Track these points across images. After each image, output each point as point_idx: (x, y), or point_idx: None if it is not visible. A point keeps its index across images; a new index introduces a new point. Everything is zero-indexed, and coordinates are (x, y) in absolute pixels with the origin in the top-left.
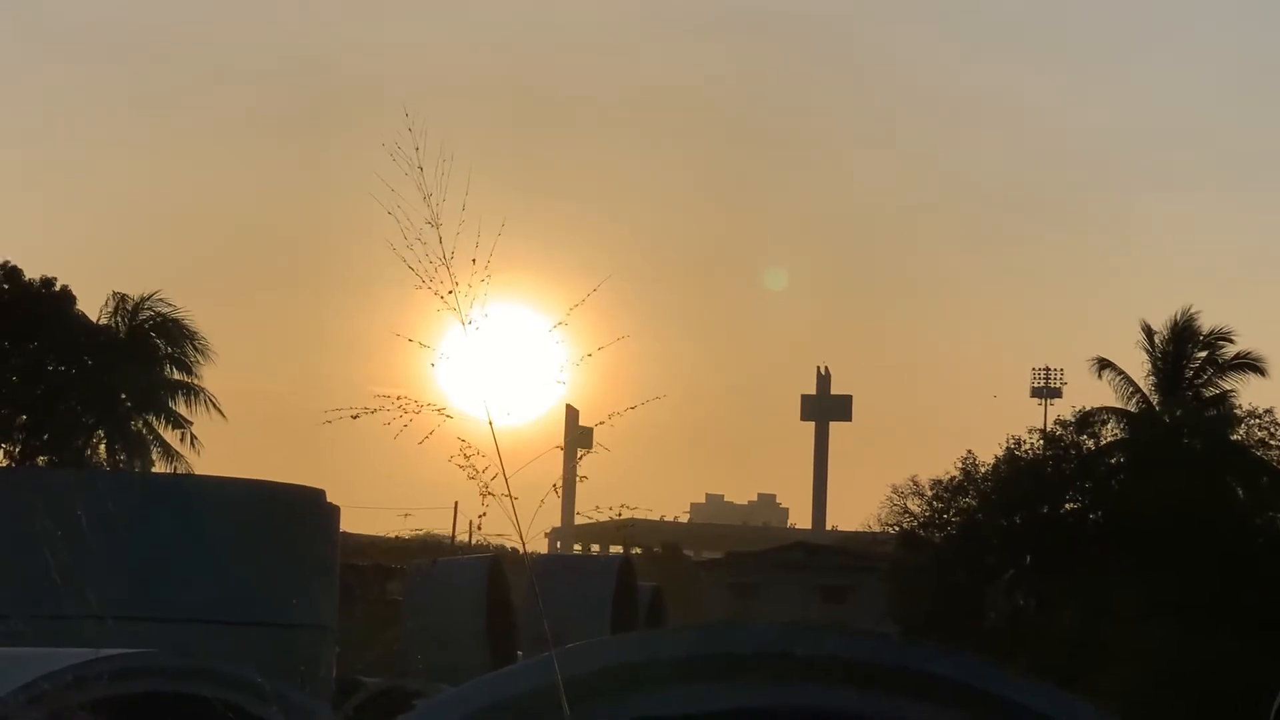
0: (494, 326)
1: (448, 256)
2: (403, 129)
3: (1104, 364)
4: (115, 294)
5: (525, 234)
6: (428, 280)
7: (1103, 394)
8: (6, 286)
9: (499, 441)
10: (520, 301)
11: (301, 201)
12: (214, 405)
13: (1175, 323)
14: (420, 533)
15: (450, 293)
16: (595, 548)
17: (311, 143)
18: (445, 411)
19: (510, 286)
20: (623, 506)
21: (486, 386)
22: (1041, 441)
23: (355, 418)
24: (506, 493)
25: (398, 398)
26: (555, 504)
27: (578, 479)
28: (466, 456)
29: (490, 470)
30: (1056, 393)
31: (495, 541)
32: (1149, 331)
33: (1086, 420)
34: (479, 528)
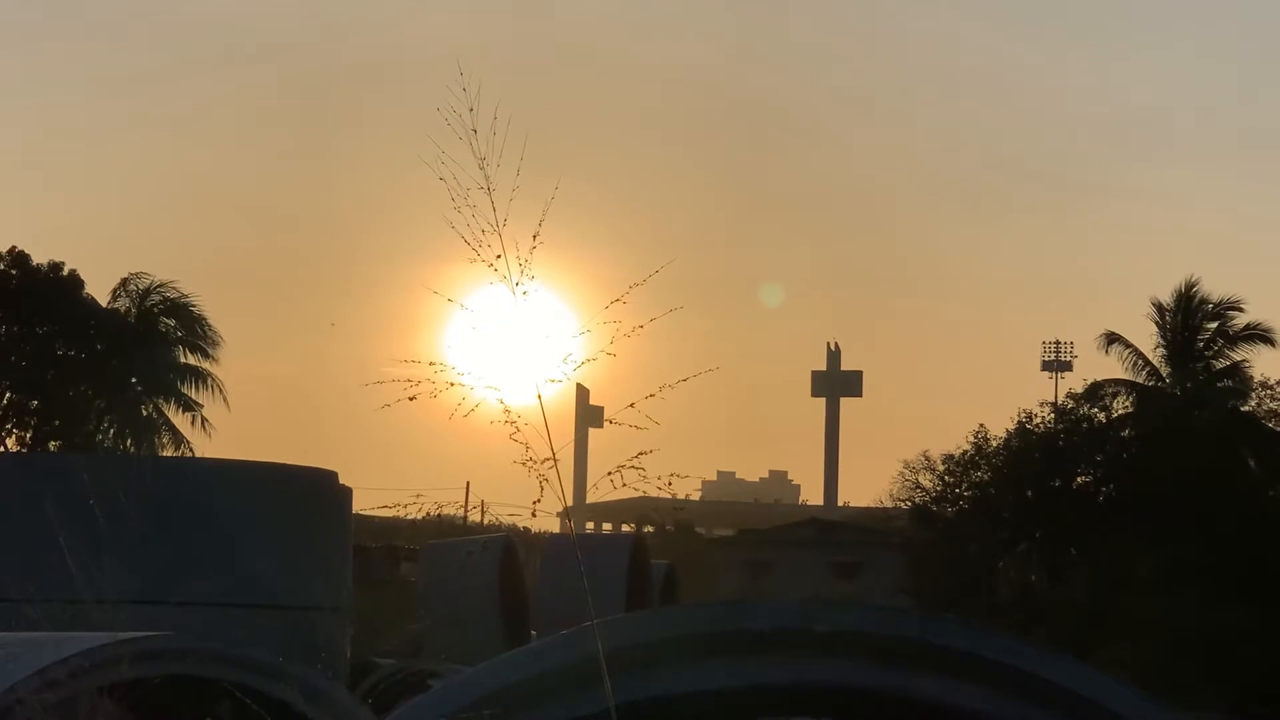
0: (534, 298)
1: (500, 224)
2: (424, 101)
3: (1113, 338)
4: (131, 275)
5: (532, 211)
6: (476, 248)
7: (1114, 367)
8: (14, 272)
9: (526, 415)
10: (545, 277)
11: (312, 183)
12: (220, 390)
13: (1180, 293)
14: (435, 512)
15: (499, 257)
16: (607, 526)
17: (323, 125)
18: (494, 386)
19: (535, 263)
20: (673, 475)
21: (529, 357)
22: (1053, 415)
23: (412, 399)
24: (553, 462)
25: (431, 363)
26: (569, 482)
27: (636, 469)
28: (518, 429)
29: (527, 445)
30: (1067, 366)
31: (507, 521)
32: (1159, 307)
33: (1096, 391)
34: (533, 514)
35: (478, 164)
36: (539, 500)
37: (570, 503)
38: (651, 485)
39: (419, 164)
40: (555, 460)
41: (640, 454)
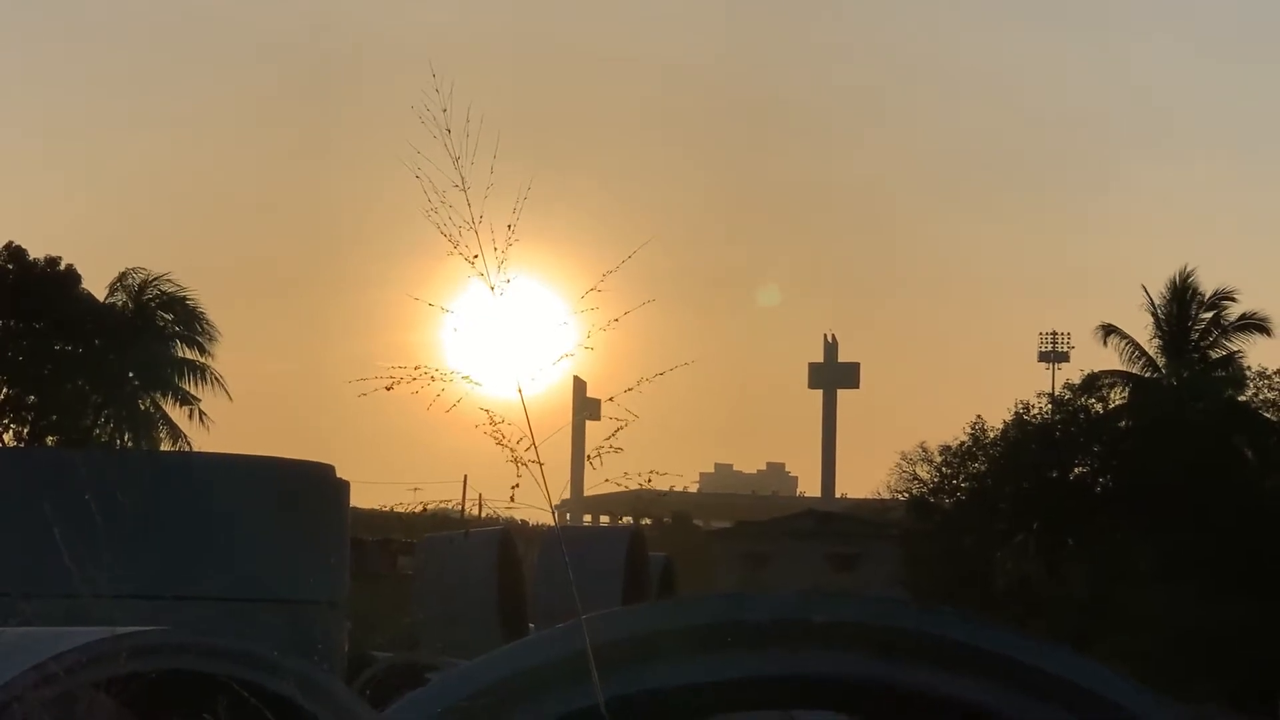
0: (517, 293)
1: (475, 221)
2: (416, 99)
3: (1109, 329)
4: (128, 269)
5: (524, 208)
6: (455, 244)
7: (1111, 358)
8: (11, 267)
9: (517, 409)
10: (533, 272)
11: (309, 181)
12: (219, 383)
13: (1174, 283)
14: (433, 505)
15: (476, 256)
16: (605, 519)
17: (320, 123)
18: (472, 380)
19: (523, 258)
20: (652, 472)
21: (512, 352)
22: (1050, 406)
23: (389, 389)
24: (536, 459)
25: (416, 367)
26: (566, 475)
27: (613, 451)
28: (493, 423)
29: (515, 439)
30: (1064, 357)
31: (504, 514)
32: (1154, 298)
33: (1092, 382)
34: (512, 499)
35: (452, 163)
36: (517, 485)
37: (552, 494)
38: (634, 480)
39: (409, 163)
40: (537, 450)
41: (617, 430)
